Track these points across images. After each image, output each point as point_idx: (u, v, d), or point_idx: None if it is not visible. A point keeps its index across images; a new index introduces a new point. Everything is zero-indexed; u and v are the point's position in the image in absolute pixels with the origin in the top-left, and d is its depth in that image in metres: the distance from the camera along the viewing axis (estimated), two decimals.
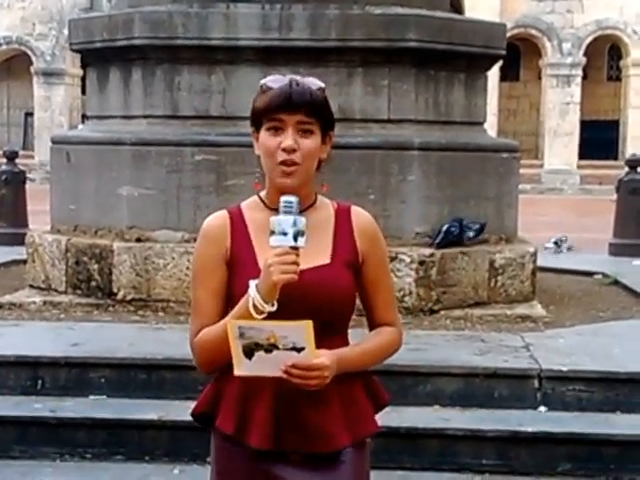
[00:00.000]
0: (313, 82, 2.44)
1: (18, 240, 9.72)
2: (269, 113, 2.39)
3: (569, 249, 12.75)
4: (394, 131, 7.48)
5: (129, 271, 7.28)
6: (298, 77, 2.44)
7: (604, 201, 19.57)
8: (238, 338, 2.25)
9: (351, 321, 2.51)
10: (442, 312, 7.12)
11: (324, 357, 2.31)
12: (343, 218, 2.52)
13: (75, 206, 7.87)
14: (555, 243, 12.77)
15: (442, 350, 6.06)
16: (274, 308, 2.29)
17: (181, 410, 5.36)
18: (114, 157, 7.61)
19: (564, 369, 5.64)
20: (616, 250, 11.57)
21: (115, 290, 7.32)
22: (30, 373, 5.77)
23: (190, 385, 5.52)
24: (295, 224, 2.27)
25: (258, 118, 2.44)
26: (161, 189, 7.41)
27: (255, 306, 2.29)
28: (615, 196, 12.29)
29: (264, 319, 2.28)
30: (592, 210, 21.82)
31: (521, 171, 8.65)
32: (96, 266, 7.41)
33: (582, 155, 33.30)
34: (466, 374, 5.62)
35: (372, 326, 2.57)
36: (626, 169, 12.35)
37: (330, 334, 2.40)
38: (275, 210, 2.36)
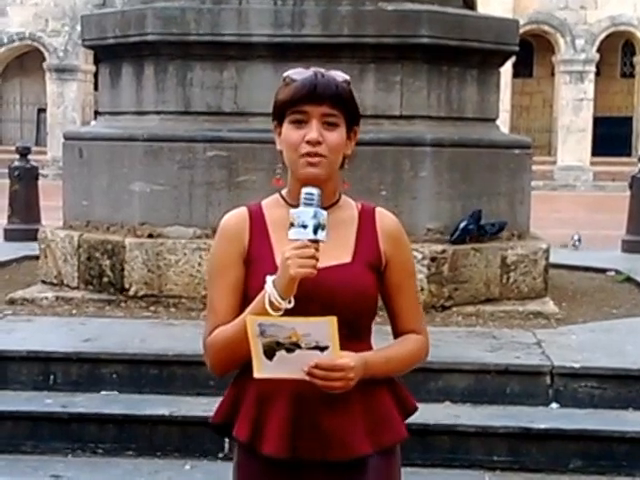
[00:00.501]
0: (338, 74, 2.36)
1: (30, 236, 9.74)
2: (293, 105, 2.30)
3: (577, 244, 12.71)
4: (406, 127, 7.47)
5: (141, 267, 7.29)
6: (322, 69, 2.36)
7: (617, 198, 19.49)
8: (258, 336, 2.14)
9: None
10: (454, 308, 7.11)
11: (349, 358, 2.20)
12: (367, 219, 2.42)
13: (87, 202, 7.89)
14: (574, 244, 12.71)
15: (453, 346, 6.06)
16: (291, 305, 2.19)
17: (192, 406, 5.38)
18: (126, 153, 7.62)
19: (576, 366, 5.63)
20: (629, 247, 11.53)
21: (127, 286, 7.33)
22: (42, 368, 5.78)
23: (201, 381, 5.54)
24: (316, 216, 2.18)
25: (281, 111, 2.34)
26: (173, 185, 7.42)
27: (271, 302, 2.19)
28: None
29: (281, 316, 2.18)
30: (605, 207, 21.76)
31: (534, 167, 8.63)
32: (108, 262, 7.42)
33: (595, 152, 33.22)
34: (478, 370, 5.62)
35: (397, 333, 2.45)
36: (639, 165, 12.31)
37: (353, 338, 2.29)
38: (296, 207, 2.25)
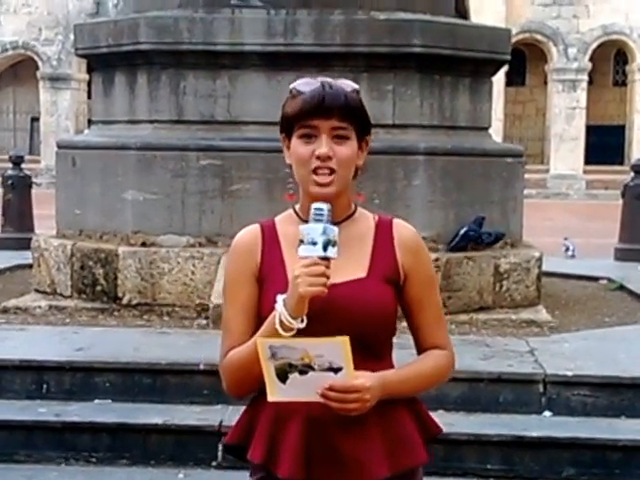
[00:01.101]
0: (346, 84, 2.29)
1: (24, 244, 9.73)
2: (301, 119, 2.23)
3: (568, 250, 12.75)
4: (399, 136, 7.48)
5: (134, 275, 7.29)
6: (330, 79, 2.29)
7: (610, 206, 19.54)
8: (270, 359, 2.08)
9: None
10: (447, 316, 7.00)
11: (364, 378, 2.12)
12: (384, 231, 2.33)
13: (80, 211, 7.89)
14: (567, 249, 12.74)
15: None
16: (303, 324, 2.12)
17: (186, 414, 5.37)
18: (119, 162, 7.63)
19: (569, 374, 5.63)
20: (622, 255, 11.55)
21: (120, 294, 7.33)
22: (35, 377, 5.77)
23: (195, 389, 5.54)
24: (325, 232, 2.11)
25: (289, 124, 2.27)
26: (166, 194, 7.43)
27: (282, 322, 2.12)
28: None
29: (294, 336, 2.11)
30: (598, 215, 21.80)
31: (527, 176, 8.65)
32: (101, 270, 7.42)
33: (588, 160, 33.31)
34: (471, 379, 5.62)
35: (420, 349, 2.36)
36: (632, 174, 12.34)
37: (371, 357, 2.21)
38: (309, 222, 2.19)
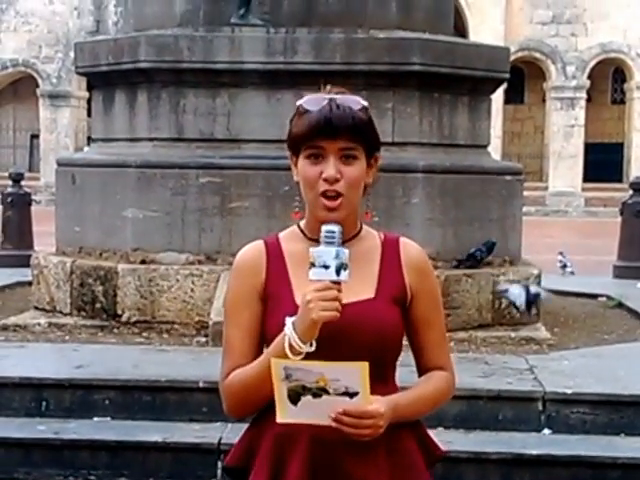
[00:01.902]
0: (354, 101, 2.23)
1: (23, 262, 9.72)
2: (307, 140, 2.18)
3: (565, 267, 12.75)
4: (398, 154, 7.50)
5: (134, 293, 7.29)
6: (338, 96, 2.21)
7: (609, 223, 19.56)
8: (283, 380, 2.04)
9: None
10: (446, 334, 7.10)
11: (379, 404, 2.09)
12: (390, 250, 2.30)
13: (80, 228, 7.90)
14: (564, 266, 12.74)
15: None
16: (312, 349, 2.08)
17: (185, 432, 5.37)
18: (119, 179, 7.64)
19: (568, 392, 5.63)
20: (620, 272, 11.55)
21: (120, 312, 7.33)
22: (34, 394, 5.77)
23: (194, 407, 5.54)
24: (338, 256, 2.07)
25: (295, 144, 2.22)
26: (166, 211, 7.44)
27: (292, 346, 2.08)
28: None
29: (305, 359, 2.08)
30: (596, 232, 21.80)
31: (525, 193, 8.67)
32: (101, 288, 7.43)
33: (586, 178, 33.33)
34: (470, 396, 5.61)
35: (422, 370, 2.33)
36: (630, 192, 12.36)
37: (379, 380, 2.15)
38: (315, 241, 2.16)
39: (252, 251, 2.30)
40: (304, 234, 2.27)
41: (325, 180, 2.17)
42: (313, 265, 2.08)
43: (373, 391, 2.08)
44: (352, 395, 2.04)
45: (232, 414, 2.26)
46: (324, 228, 2.11)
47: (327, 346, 2.09)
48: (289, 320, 2.10)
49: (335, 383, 2.03)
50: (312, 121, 2.17)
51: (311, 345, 2.08)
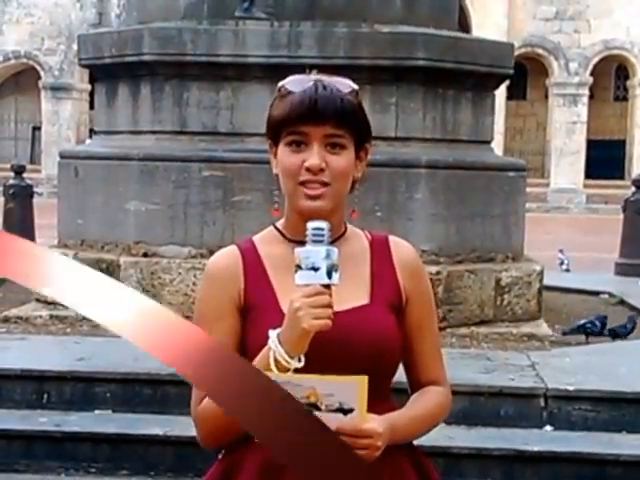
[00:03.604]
0: (343, 83, 1.99)
1: None
2: (289, 124, 1.93)
3: (563, 264, 12.77)
4: (401, 149, 7.50)
5: (135, 286, 7.28)
6: (324, 77, 1.98)
7: (610, 220, 19.57)
8: None
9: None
10: (448, 330, 7.11)
11: (376, 422, 1.84)
12: (380, 250, 2.05)
13: (82, 221, 7.89)
14: (561, 263, 12.76)
15: (447, 368, 6.04)
16: (301, 364, 1.82)
17: (186, 426, 5.34)
18: (122, 172, 7.63)
19: (570, 388, 5.63)
20: (622, 270, 11.56)
21: None
22: (36, 387, 5.77)
23: None
24: (328, 256, 1.81)
25: (275, 130, 1.97)
26: (168, 204, 7.43)
27: (277, 361, 1.82)
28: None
29: (296, 372, 1.85)
30: (598, 229, 21.80)
31: (527, 190, 8.66)
32: None
33: (588, 174, 33.36)
34: (472, 392, 5.61)
35: (415, 384, 2.09)
36: (632, 189, 12.36)
37: (375, 396, 1.86)
38: (297, 242, 1.90)
39: (226, 258, 2.03)
40: (283, 235, 2.02)
41: (308, 170, 1.90)
42: (299, 267, 1.82)
43: (369, 409, 1.83)
44: (346, 412, 1.82)
45: (207, 444, 2.01)
46: (310, 225, 1.85)
47: (316, 360, 1.83)
48: (273, 332, 1.84)
49: (328, 398, 1.81)
50: (295, 103, 1.93)
51: (299, 360, 1.83)
